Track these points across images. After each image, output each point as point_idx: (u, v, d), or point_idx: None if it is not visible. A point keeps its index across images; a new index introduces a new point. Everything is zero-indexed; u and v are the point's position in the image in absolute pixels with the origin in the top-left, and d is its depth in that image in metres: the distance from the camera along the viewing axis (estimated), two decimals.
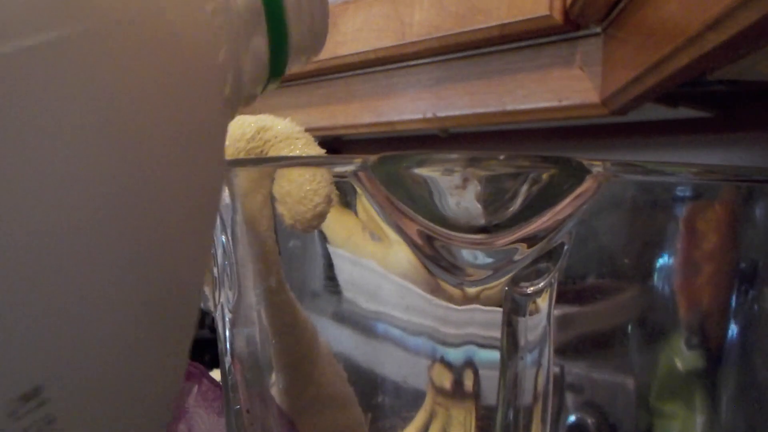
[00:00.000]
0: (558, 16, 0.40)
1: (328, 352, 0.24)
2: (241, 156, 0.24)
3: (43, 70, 0.12)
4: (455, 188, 0.17)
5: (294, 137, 0.23)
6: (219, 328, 0.25)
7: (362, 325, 0.23)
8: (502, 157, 0.17)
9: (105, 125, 0.13)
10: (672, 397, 0.22)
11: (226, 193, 0.23)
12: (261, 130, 0.23)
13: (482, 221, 0.18)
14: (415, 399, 0.22)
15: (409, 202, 0.18)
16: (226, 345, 0.25)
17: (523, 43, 0.45)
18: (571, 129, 0.64)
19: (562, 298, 0.19)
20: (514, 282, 0.19)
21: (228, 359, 0.25)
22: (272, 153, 0.23)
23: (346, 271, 0.23)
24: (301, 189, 0.20)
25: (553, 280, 0.19)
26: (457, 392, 0.21)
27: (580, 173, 0.17)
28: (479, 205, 0.17)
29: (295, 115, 0.24)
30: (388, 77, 0.56)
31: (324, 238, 0.23)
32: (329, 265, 0.23)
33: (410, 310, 0.21)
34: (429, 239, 0.18)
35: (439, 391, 0.21)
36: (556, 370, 0.21)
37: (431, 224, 0.18)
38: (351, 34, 0.55)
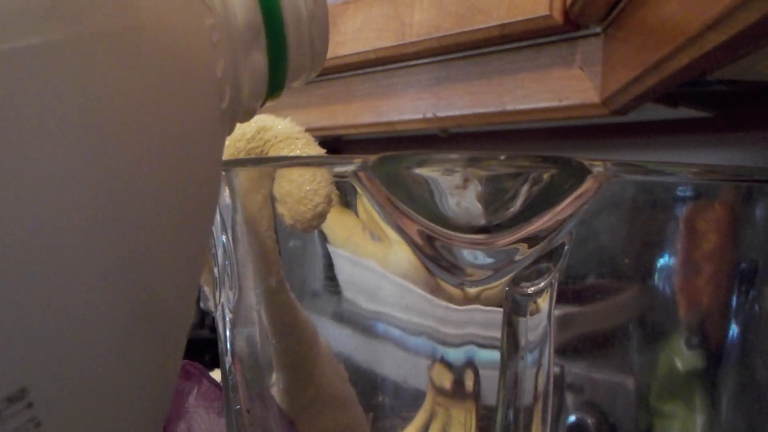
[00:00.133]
0: (558, 16, 0.40)
1: (329, 352, 0.24)
2: (241, 156, 0.24)
3: (36, 72, 0.12)
4: (456, 188, 0.17)
5: (294, 137, 0.23)
6: (219, 328, 0.25)
7: (362, 325, 0.23)
8: (502, 157, 0.17)
9: (97, 131, 0.13)
10: (672, 397, 0.22)
11: (226, 193, 0.23)
12: (261, 130, 0.23)
13: (483, 221, 0.18)
14: (415, 399, 0.22)
15: (410, 202, 0.18)
16: (226, 345, 0.25)
17: (523, 43, 0.45)
18: (571, 129, 0.64)
19: (562, 298, 0.19)
20: (515, 282, 0.19)
21: (228, 359, 0.25)
22: (272, 153, 0.23)
23: (346, 271, 0.23)
24: (301, 189, 0.20)
25: (553, 280, 0.19)
26: (457, 392, 0.21)
27: (580, 173, 0.17)
28: (480, 205, 0.17)
29: (295, 115, 0.24)
30: (388, 77, 0.56)
31: (324, 238, 0.23)
32: (329, 265, 0.23)
33: (410, 310, 0.21)
34: (429, 239, 0.18)
35: (439, 391, 0.21)
36: (556, 370, 0.21)
37: (432, 224, 0.18)
38: (351, 34, 0.55)
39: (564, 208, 0.17)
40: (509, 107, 0.46)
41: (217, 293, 0.25)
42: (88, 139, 0.13)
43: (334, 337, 0.24)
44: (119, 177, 0.14)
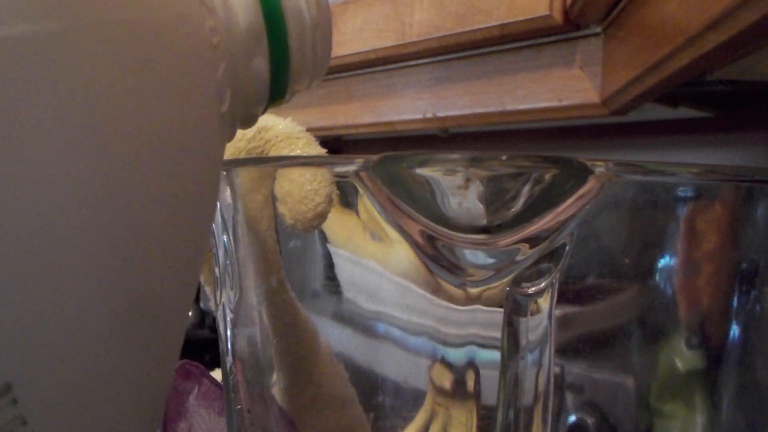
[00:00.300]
0: (558, 16, 0.40)
1: (329, 351, 0.24)
2: (242, 156, 0.24)
3: (30, 62, 0.12)
4: (457, 188, 0.17)
5: (295, 137, 0.23)
6: (220, 328, 0.25)
7: (363, 325, 0.23)
8: (504, 157, 0.17)
9: (92, 122, 0.13)
10: (672, 397, 0.22)
11: (227, 193, 0.23)
12: (262, 130, 0.23)
13: (484, 221, 0.18)
14: (416, 399, 0.22)
15: (411, 202, 0.18)
16: (227, 345, 0.25)
17: (523, 43, 0.45)
18: (571, 129, 0.64)
19: (563, 298, 0.19)
20: (516, 282, 0.19)
21: (229, 359, 0.25)
22: (273, 153, 0.23)
23: (346, 271, 0.23)
24: (302, 189, 0.20)
25: (554, 281, 0.19)
26: (457, 392, 0.21)
27: (582, 173, 0.17)
28: (481, 206, 0.17)
29: (296, 115, 0.24)
30: (388, 77, 0.56)
31: (324, 238, 0.23)
32: (330, 265, 0.23)
33: (411, 310, 0.21)
34: (431, 239, 0.18)
35: (440, 391, 0.21)
36: (557, 370, 0.21)
37: (433, 224, 0.18)
38: (351, 34, 0.55)
39: (565, 208, 0.17)
40: (509, 107, 0.46)
41: (218, 293, 0.25)
42: (82, 131, 0.13)
43: (335, 337, 0.24)
44: (113, 170, 0.13)
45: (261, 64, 0.17)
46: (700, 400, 0.22)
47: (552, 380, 0.20)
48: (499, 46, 0.46)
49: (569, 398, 0.22)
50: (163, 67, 0.14)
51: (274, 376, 0.24)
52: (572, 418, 0.22)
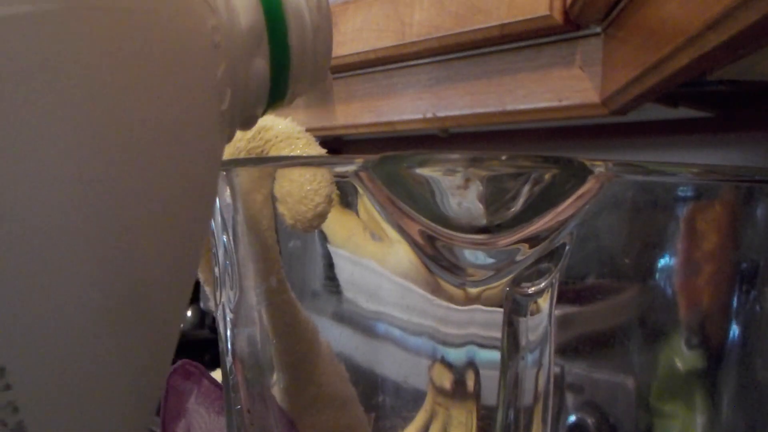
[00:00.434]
0: (558, 16, 0.40)
1: (329, 351, 0.24)
2: (242, 155, 0.24)
3: (27, 41, 0.12)
4: (457, 188, 0.17)
5: (295, 137, 0.23)
6: (220, 328, 0.25)
7: (362, 325, 0.23)
8: (504, 157, 0.17)
9: (87, 105, 0.13)
10: (672, 397, 0.22)
11: (227, 193, 0.23)
12: (261, 130, 0.23)
13: (484, 221, 0.18)
14: (416, 399, 0.22)
15: (411, 202, 0.18)
16: (227, 345, 0.25)
17: (523, 43, 0.45)
18: (571, 129, 0.64)
19: (562, 298, 0.19)
20: (516, 282, 0.19)
21: (229, 359, 0.25)
22: (273, 153, 0.23)
23: (346, 271, 0.23)
24: (301, 189, 0.20)
25: (554, 281, 0.19)
26: (457, 392, 0.21)
27: (582, 173, 0.17)
28: (481, 206, 0.17)
29: (296, 115, 0.24)
30: (388, 77, 0.56)
31: (324, 238, 0.23)
32: (330, 265, 0.23)
33: (411, 310, 0.22)
34: (430, 239, 0.18)
35: (440, 391, 0.21)
36: (557, 370, 0.21)
37: (433, 224, 0.18)
38: (351, 34, 0.55)
39: (565, 208, 0.17)
40: (509, 107, 0.46)
41: (218, 293, 0.25)
42: (78, 115, 0.13)
43: (335, 337, 0.24)
44: (108, 158, 0.13)
45: (261, 64, 0.18)
46: (700, 400, 0.22)
47: (552, 380, 0.20)
48: (499, 46, 0.46)
49: (569, 398, 0.22)
50: (163, 60, 0.14)
51: (274, 376, 0.24)
52: (572, 418, 0.22)
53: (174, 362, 0.32)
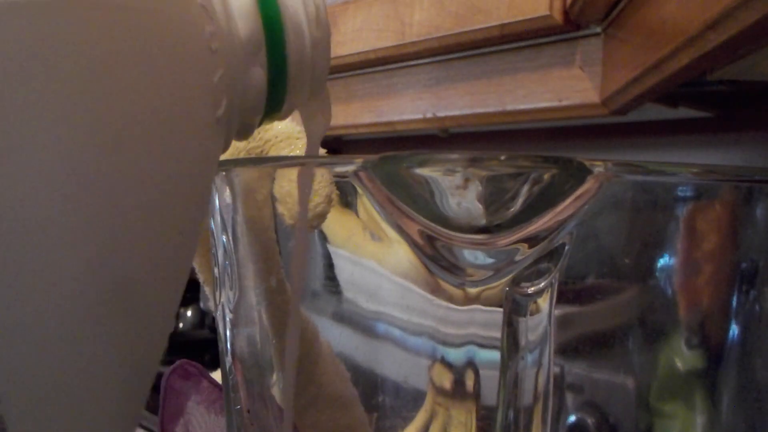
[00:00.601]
0: (558, 16, 0.40)
1: (330, 351, 0.24)
2: (242, 156, 0.24)
3: (21, 30, 0.12)
4: (456, 188, 0.17)
5: (294, 137, 0.23)
6: (220, 328, 0.25)
7: (362, 325, 0.23)
8: (503, 157, 0.17)
9: (78, 96, 0.13)
10: (672, 397, 0.22)
11: (226, 193, 0.23)
12: (261, 130, 0.23)
13: (483, 221, 0.18)
14: (416, 399, 0.22)
15: (410, 202, 0.18)
16: (226, 345, 0.25)
17: (523, 43, 0.45)
18: (571, 129, 0.64)
19: (562, 298, 0.19)
20: (515, 282, 0.19)
21: (229, 359, 0.25)
22: (273, 153, 0.23)
23: (346, 271, 0.23)
24: None
25: (553, 281, 0.19)
26: (457, 392, 0.21)
27: (581, 173, 0.17)
28: (480, 206, 0.17)
29: (295, 115, 0.24)
30: (388, 77, 0.56)
31: (324, 238, 0.23)
32: (329, 265, 0.23)
33: (410, 310, 0.21)
34: (430, 239, 0.18)
35: (440, 391, 0.21)
36: (556, 370, 0.21)
37: (432, 224, 0.18)
38: (351, 34, 0.55)
39: (564, 208, 0.17)
40: (509, 107, 0.46)
41: (218, 293, 0.25)
42: (70, 107, 0.13)
43: (335, 337, 0.24)
44: (99, 152, 0.13)
45: (259, 74, 0.18)
46: (700, 400, 0.22)
47: (552, 380, 0.20)
48: (499, 46, 0.46)
49: (569, 398, 0.22)
50: (158, 58, 0.14)
51: (274, 376, 0.24)
52: (572, 418, 0.22)
53: (174, 362, 0.32)
